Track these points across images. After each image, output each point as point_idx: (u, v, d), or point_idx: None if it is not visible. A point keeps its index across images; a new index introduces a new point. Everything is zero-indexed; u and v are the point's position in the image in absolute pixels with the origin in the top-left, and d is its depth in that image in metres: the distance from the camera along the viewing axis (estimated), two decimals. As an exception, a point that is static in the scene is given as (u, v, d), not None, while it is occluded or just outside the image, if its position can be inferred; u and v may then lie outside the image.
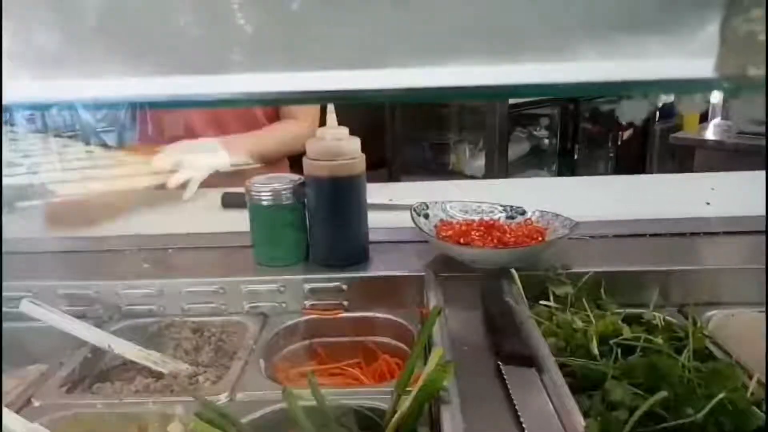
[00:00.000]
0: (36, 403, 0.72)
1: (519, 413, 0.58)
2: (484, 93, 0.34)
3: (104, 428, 0.69)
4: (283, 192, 0.95)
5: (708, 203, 1.22)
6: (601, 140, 4.54)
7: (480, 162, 3.87)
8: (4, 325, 0.93)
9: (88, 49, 0.33)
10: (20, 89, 0.33)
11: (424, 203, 1.06)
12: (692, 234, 1.08)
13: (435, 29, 0.28)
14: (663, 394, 0.57)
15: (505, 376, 0.63)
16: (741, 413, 0.58)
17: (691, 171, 2.74)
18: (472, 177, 3.91)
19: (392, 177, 4.17)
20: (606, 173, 4.46)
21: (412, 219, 1.00)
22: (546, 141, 4.36)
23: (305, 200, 0.97)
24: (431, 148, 4.17)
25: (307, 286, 0.94)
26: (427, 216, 1.04)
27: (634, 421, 0.57)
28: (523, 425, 0.57)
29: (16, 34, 0.31)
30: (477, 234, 0.95)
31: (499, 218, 1.03)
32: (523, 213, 1.04)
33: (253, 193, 0.96)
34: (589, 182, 1.72)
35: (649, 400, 0.57)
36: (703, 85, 0.30)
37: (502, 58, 0.28)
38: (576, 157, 4.33)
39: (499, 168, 3.81)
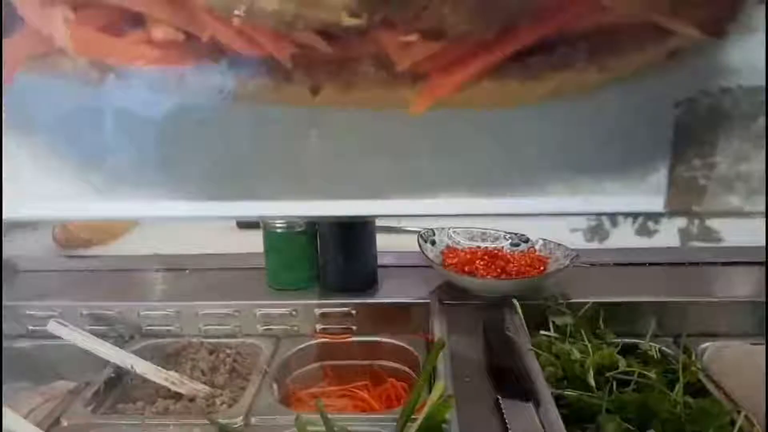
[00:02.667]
0: (65, 423, 0.77)
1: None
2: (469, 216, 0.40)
3: (128, 449, 0.73)
4: (297, 219, 1.00)
5: (708, 232, 1.25)
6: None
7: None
8: (32, 342, 0.99)
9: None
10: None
11: (431, 229, 1.10)
12: (690, 264, 1.11)
13: (433, 172, 0.34)
14: (651, 432, 0.61)
15: (503, 411, 0.67)
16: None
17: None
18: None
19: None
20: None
21: (419, 246, 1.04)
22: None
23: (317, 227, 1.01)
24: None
25: (318, 310, 0.98)
26: (433, 242, 1.08)
27: (623, 457, 0.60)
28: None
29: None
30: (481, 263, 0.99)
31: (503, 246, 1.07)
32: (527, 241, 1.08)
33: (268, 220, 1.00)
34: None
35: (637, 437, 0.61)
36: (652, 217, 0.35)
37: (488, 193, 0.34)
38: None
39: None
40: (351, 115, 0.37)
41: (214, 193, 0.41)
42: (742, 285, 1.04)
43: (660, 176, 0.34)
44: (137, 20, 0.36)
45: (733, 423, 0.68)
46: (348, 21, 0.32)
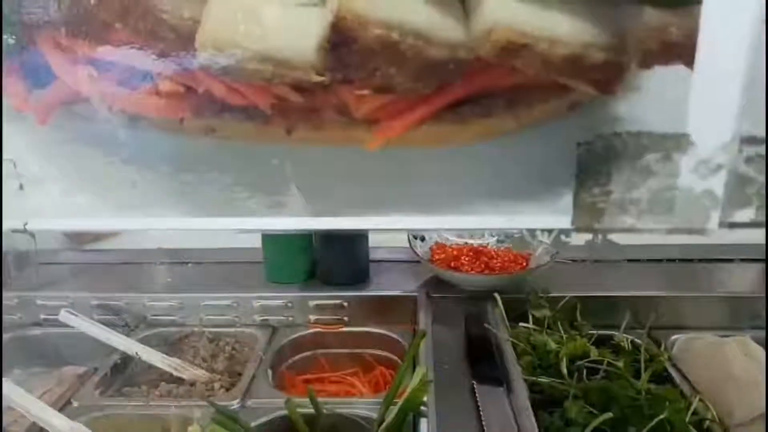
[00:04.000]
0: (75, 404, 0.84)
1: (485, 427, 0.68)
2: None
3: (133, 428, 0.80)
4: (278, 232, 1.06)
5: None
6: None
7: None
8: (44, 330, 1.06)
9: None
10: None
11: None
12: (668, 260, 1.17)
13: (386, 195, 0.42)
14: (609, 414, 0.67)
15: (477, 395, 0.73)
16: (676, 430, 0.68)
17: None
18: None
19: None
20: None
21: (409, 242, 1.10)
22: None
23: (312, 224, 1.07)
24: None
25: (313, 302, 1.04)
26: (423, 239, 1.14)
27: (583, 436, 0.66)
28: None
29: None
30: (466, 259, 1.05)
31: (489, 243, 1.13)
32: (511, 237, 1.13)
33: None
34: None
35: (597, 419, 0.67)
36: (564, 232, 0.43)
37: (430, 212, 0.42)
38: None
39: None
40: (321, 150, 0.48)
41: (212, 210, 0.54)
42: (714, 281, 1.09)
43: (567, 201, 0.42)
44: (147, 77, 0.46)
45: (688, 409, 0.73)
46: (315, 78, 0.41)
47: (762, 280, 1.08)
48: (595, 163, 0.41)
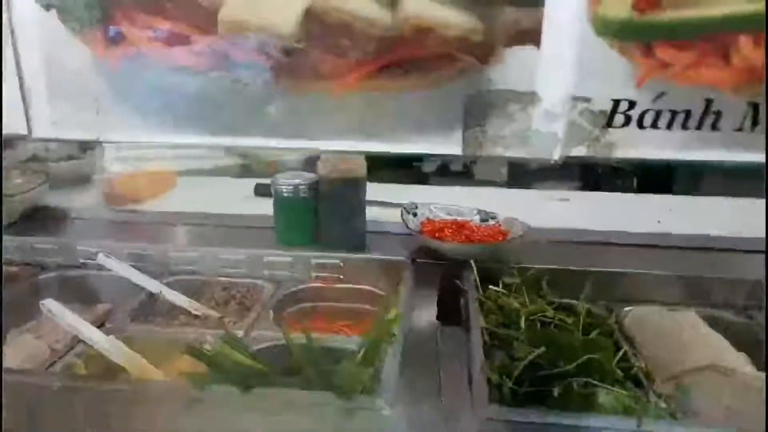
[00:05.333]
0: (108, 325, 1.00)
1: (440, 356, 0.82)
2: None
3: (156, 346, 0.96)
4: (301, 187, 1.21)
5: (659, 221, 1.42)
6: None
7: (504, 170, 4.07)
8: (80, 273, 1.22)
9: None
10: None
11: (414, 203, 1.30)
12: (640, 246, 1.29)
13: (340, 126, 0.59)
14: (542, 349, 0.80)
15: (438, 331, 0.87)
16: (604, 370, 0.81)
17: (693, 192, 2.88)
18: (496, 185, 4.13)
19: (421, 180, 4.42)
20: (629, 191, 4.55)
21: (401, 216, 1.25)
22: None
23: (318, 195, 1.23)
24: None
25: (314, 261, 1.19)
26: (415, 214, 1.29)
27: (522, 367, 0.80)
28: (440, 363, 0.81)
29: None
30: (450, 231, 1.19)
31: (473, 220, 1.27)
32: (494, 218, 1.27)
33: (278, 186, 1.22)
34: (577, 197, 1.94)
35: (534, 353, 0.81)
36: (460, 157, 0.59)
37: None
38: (600, 172, 4.48)
39: (522, 178, 4.00)
40: (300, 97, 0.64)
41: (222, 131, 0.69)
42: (673, 263, 1.21)
43: (458, 135, 0.61)
44: (184, 39, 0.66)
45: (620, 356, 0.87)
46: (295, 45, 0.58)
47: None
48: (476, 111, 0.61)
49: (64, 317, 0.94)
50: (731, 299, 1.10)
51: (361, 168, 1.19)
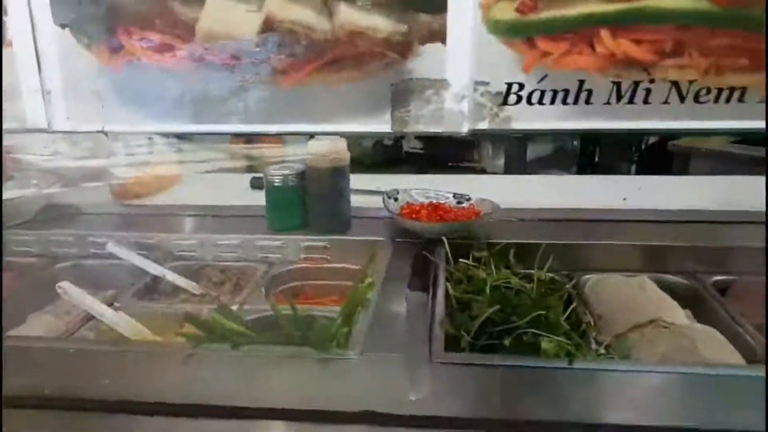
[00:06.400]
0: (117, 304, 1.12)
1: (409, 318, 0.93)
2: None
3: (160, 320, 1.08)
4: (290, 176, 1.33)
5: (624, 199, 1.52)
6: (624, 143, 4.71)
7: (501, 161, 4.18)
8: (92, 261, 1.34)
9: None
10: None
11: (396, 189, 1.41)
12: (604, 221, 1.39)
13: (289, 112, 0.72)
14: (497, 307, 0.91)
15: (406, 296, 0.98)
16: (552, 324, 0.92)
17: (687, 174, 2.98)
18: (493, 173, 4.23)
19: (420, 170, 4.54)
20: (628, 174, 4.64)
21: (383, 201, 1.36)
22: (570, 143, 4.61)
23: (306, 183, 1.34)
24: (456, 145, 4.50)
25: (303, 244, 1.31)
26: (396, 199, 1.40)
27: (479, 323, 0.91)
28: (408, 323, 0.92)
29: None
30: (425, 212, 1.30)
31: (448, 202, 1.37)
32: (469, 199, 1.38)
33: (269, 177, 1.34)
34: (550, 180, 2.04)
35: (489, 310, 0.91)
36: (390, 134, 0.71)
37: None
38: (597, 158, 4.57)
39: (518, 166, 4.10)
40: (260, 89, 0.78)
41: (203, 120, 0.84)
42: (630, 234, 1.31)
43: (387, 116, 0.72)
44: (170, 48, 0.78)
45: (569, 314, 0.97)
46: (255, 49, 0.70)
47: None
48: (400, 96, 0.73)
49: (77, 296, 1.06)
50: (682, 265, 1.20)
51: (344, 157, 1.30)
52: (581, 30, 0.76)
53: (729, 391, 0.76)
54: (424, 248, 1.23)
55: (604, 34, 0.74)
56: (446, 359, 0.80)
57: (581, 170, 4.27)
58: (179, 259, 1.33)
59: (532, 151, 4.17)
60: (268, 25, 0.78)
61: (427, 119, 0.80)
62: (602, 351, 0.89)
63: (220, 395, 0.75)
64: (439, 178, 1.94)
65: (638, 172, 4.45)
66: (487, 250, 1.22)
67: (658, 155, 3.87)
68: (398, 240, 1.28)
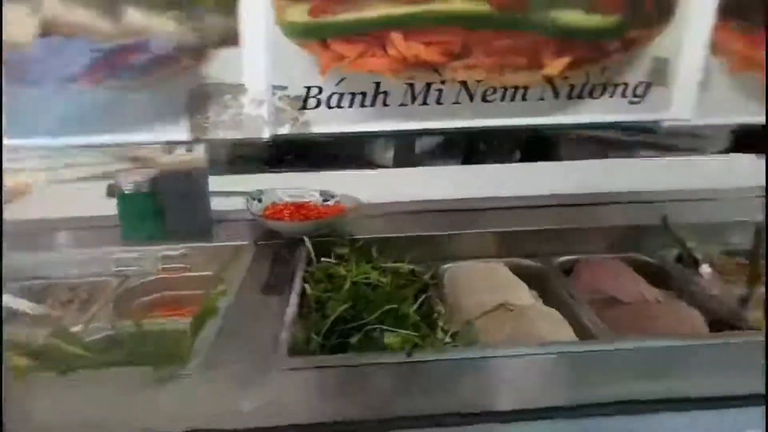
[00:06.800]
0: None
1: (260, 324, 0.91)
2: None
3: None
4: (142, 182, 1.26)
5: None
6: (506, 134, 4.91)
7: (390, 153, 4.23)
8: None
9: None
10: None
11: (260, 190, 1.38)
12: (467, 210, 1.44)
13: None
14: (349, 304, 0.91)
15: (262, 304, 0.96)
16: (402, 317, 0.93)
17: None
18: (384, 167, 4.27)
19: (312, 166, 4.49)
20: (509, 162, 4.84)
21: (246, 204, 1.32)
22: (457, 134, 4.75)
23: (160, 188, 1.27)
24: (348, 142, 4.49)
25: (160, 253, 1.24)
26: (260, 200, 1.36)
27: (330, 323, 0.91)
28: (258, 329, 0.90)
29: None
30: (288, 212, 1.28)
31: (313, 201, 1.36)
32: (334, 197, 1.38)
33: (119, 184, 1.26)
34: (434, 172, 2.10)
35: (341, 307, 0.91)
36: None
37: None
38: (483, 148, 4.74)
39: (406, 159, 4.16)
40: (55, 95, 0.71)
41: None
42: (493, 221, 1.36)
43: (185, 123, 0.69)
44: None
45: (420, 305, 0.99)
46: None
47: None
48: (197, 102, 0.70)
49: None
50: (535, 249, 1.27)
51: (199, 159, 1.25)
52: (374, 33, 0.77)
53: (560, 368, 0.81)
54: (287, 249, 1.21)
55: (396, 36, 0.76)
56: (288, 365, 0.79)
57: (466, 160, 4.40)
58: (23, 279, 1.23)
59: (422, 143, 4.25)
60: (45, 27, 0.72)
61: (227, 125, 0.79)
62: (448, 339, 0.92)
63: (43, 427, 0.70)
64: (320, 176, 1.92)
65: (521, 160, 4.66)
66: (350, 247, 1.22)
67: (538, 143, 4.09)
68: (261, 243, 1.25)
